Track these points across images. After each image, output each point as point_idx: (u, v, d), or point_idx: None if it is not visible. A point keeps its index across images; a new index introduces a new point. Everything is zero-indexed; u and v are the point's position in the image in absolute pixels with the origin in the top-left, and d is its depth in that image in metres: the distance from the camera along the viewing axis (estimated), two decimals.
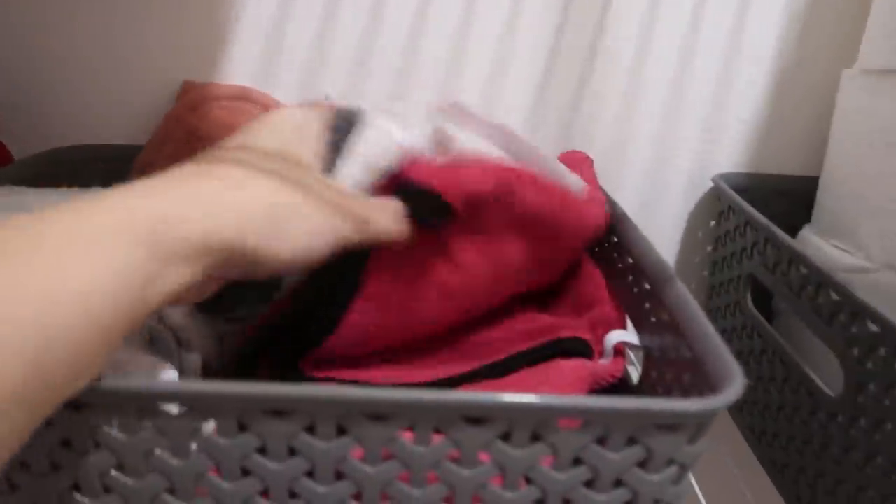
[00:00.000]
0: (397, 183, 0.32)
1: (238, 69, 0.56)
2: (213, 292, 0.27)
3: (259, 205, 0.25)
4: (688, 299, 0.32)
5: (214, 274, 0.24)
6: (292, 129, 0.31)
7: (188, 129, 0.51)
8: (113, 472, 0.26)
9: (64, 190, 0.45)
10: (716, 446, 0.50)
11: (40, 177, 0.49)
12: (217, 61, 0.56)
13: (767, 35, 0.55)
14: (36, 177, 0.49)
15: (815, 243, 0.52)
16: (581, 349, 0.35)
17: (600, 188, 0.45)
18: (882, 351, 0.35)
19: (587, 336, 0.35)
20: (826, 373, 0.41)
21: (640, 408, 0.25)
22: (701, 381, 0.28)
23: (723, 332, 0.55)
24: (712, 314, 0.57)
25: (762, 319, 0.49)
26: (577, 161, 0.48)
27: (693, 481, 0.46)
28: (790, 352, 0.44)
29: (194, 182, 0.25)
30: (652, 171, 0.58)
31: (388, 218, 0.31)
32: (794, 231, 0.54)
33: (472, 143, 0.35)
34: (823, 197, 0.53)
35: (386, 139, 0.33)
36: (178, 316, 0.32)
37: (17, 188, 0.43)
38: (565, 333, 0.36)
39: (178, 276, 0.23)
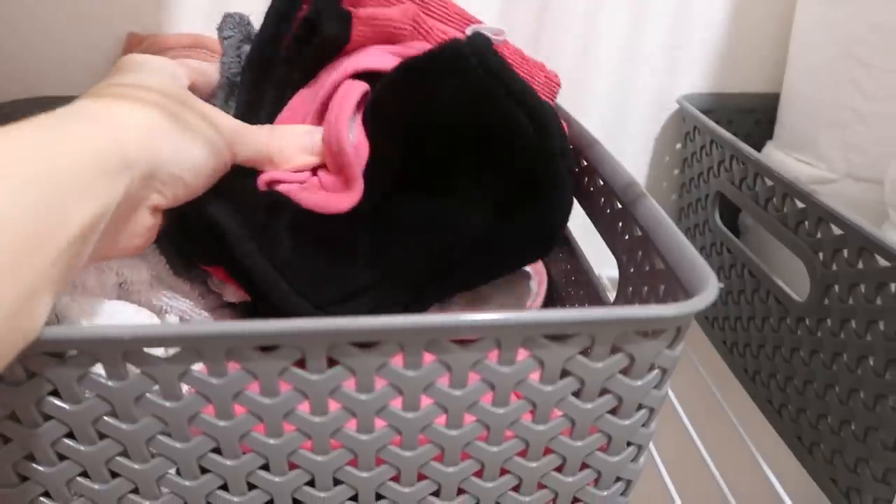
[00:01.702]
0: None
1: (184, 21, 0.54)
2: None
3: (159, 122, 0.27)
4: (659, 213, 0.33)
5: (135, 196, 0.25)
6: (161, 70, 0.32)
7: None
8: (106, 418, 0.26)
9: None
10: (691, 360, 0.52)
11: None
12: (163, 12, 0.54)
13: None
14: None
15: (779, 158, 0.53)
16: None
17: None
18: (845, 252, 0.36)
19: None
20: (794, 281, 0.42)
21: (621, 316, 0.26)
22: (677, 288, 0.29)
23: None
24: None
25: (731, 235, 0.50)
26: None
27: (671, 393, 0.48)
28: (759, 263, 0.46)
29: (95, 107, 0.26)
30: (617, 95, 0.58)
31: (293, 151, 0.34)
32: (758, 148, 0.55)
33: None
34: (784, 112, 0.54)
35: None
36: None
37: None
38: None
39: (102, 194, 0.23)
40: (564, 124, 0.38)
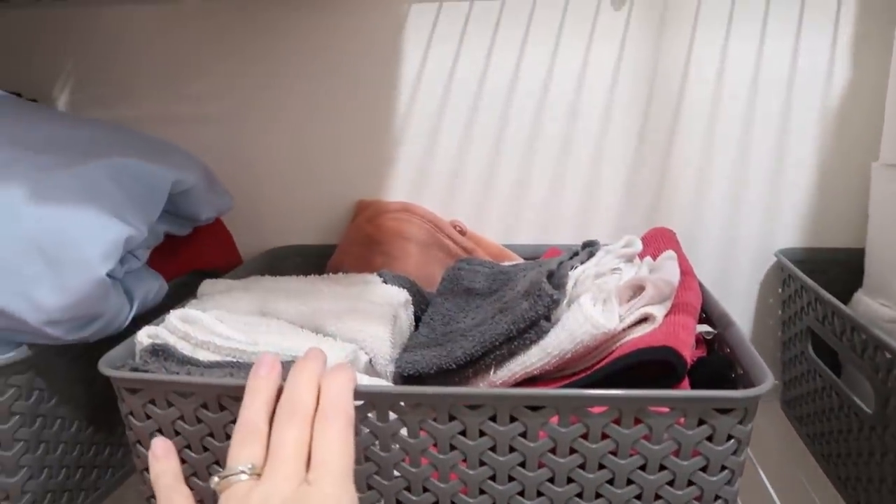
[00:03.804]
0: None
1: (396, 190, 0.76)
2: None
3: None
4: (741, 335, 0.46)
5: None
6: None
7: (367, 236, 0.70)
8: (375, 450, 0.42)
9: (290, 278, 0.63)
10: (779, 444, 0.61)
11: (264, 271, 0.69)
12: (381, 183, 0.76)
13: (807, 131, 0.69)
14: (261, 271, 0.69)
15: (866, 303, 0.64)
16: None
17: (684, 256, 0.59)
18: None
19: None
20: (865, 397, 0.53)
21: (704, 396, 0.39)
22: (746, 383, 0.42)
23: (795, 377, 0.67)
24: (786, 364, 0.69)
25: (821, 363, 0.60)
26: (667, 236, 0.62)
27: (758, 467, 0.57)
28: (840, 384, 0.56)
29: None
30: (723, 250, 0.72)
31: None
32: (850, 296, 0.66)
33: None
34: (869, 265, 0.65)
35: (590, 324, 0.44)
36: None
37: (259, 277, 0.63)
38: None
39: None
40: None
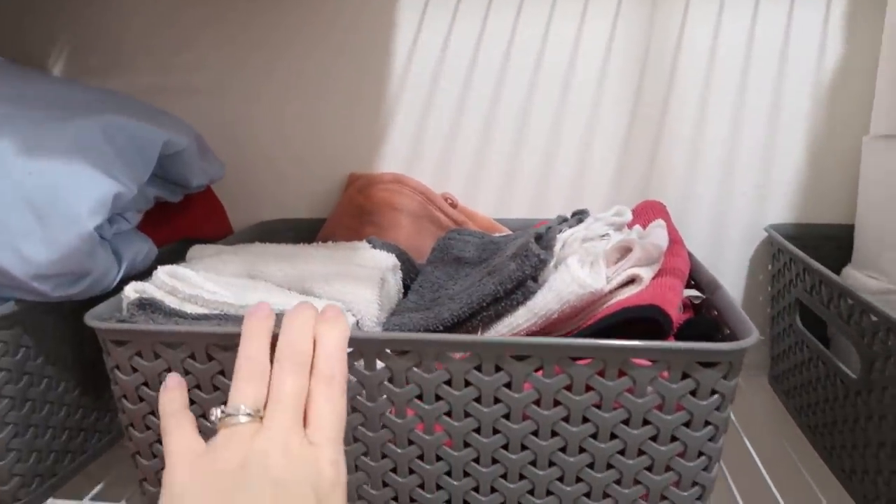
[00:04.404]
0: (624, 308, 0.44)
1: (388, 163, 0.75)
2: None
3: None
4: (728, 297, 0.46)
5: None
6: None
7: (358, 206, 0.70)
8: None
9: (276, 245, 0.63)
10: (766, 418, 0.61)
11: (254, 241, 0.69)
12: (372, 157, 0.76)
13: (799, 106, 0.69)
14: (251, 241, 0.69)
15: (854, 276, 0.64)
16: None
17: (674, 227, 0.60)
18: (881, 334, 0.47)
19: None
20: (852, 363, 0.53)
21: (688, 348, 0.39)
22: (731, 338, 0.42)
23: (783, 350, 0.67)
24: (774, 338, 0.69)
25: (808, 333, 0.61)
26: (657, 208, 0.62)
27: (745, 439, 0.58)
28: (829, 354, 0.56)
29: None
30: (714, 225, 0.72)
31: None
32: (840, 269, 0.66)
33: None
34: (858, 239, 0.65)
35: (576, 284, 0.44)
36: None
37: (249, 244, 0.63)
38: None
39: None
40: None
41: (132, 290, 0.48)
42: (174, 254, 0.63)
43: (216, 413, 0.36)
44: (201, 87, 0.77)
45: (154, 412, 0.47)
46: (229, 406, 0.35)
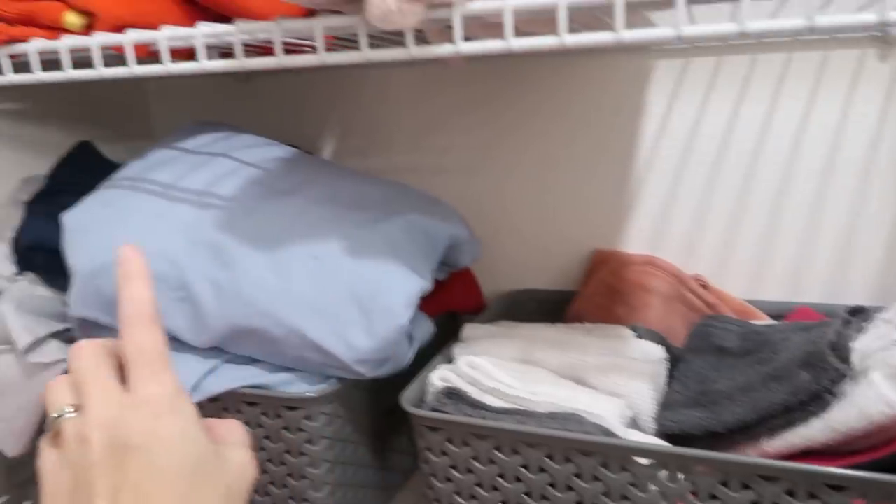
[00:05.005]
0: None
1: (633, 240, 0.78)
2: None
3: None
4: None
5: None
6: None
7: (609, 287, 0.73)
8: None
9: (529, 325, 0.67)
10: None
11: (504, 315, 0.74)
12: (618, 233, 0.78)
13: None
14: (502, 313, 0.74)
15: None
16: None
17: None
18: None
19: None
20: None
21: None
22: None
23: None
24: None
25: None
26: None
27: None
28: None
29: None
30: None
31: None
32: None
33: None
34: None
35: (883, 403, 0.43)
36: None
37: (515, 324, 0.67)
38: None
39: None
40: None
41: (438, 380, 0.54)
42: (440, 327, 0.69)
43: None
44: (452, 166, 0.84)
45: (460, 492, 0.52)
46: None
